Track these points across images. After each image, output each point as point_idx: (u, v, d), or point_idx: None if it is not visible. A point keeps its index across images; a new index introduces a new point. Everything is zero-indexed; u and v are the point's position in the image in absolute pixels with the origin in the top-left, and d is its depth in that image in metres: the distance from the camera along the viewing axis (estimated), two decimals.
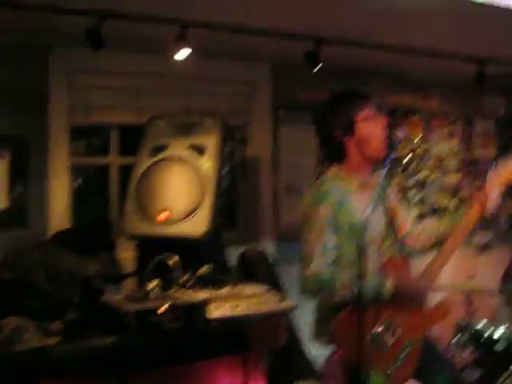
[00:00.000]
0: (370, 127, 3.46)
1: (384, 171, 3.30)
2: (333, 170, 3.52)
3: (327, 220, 3.35)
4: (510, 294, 5.67)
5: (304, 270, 3.36)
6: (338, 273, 3.30)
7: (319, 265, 3.31)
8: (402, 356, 3.36)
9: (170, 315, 3.66)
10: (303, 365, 5.13)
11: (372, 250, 3.40)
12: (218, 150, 4.48)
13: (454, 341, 5.32)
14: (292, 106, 5.72)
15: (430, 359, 3.54)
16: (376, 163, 3.48)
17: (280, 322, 4.10)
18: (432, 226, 3.71)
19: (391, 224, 3.59)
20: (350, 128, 3.44)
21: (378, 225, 3.48)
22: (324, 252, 3.33)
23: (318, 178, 3.59)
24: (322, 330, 3.50)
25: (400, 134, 6.38)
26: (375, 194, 3.29)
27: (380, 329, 3.32)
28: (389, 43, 5.11)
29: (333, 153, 3.54)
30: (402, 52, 5.23)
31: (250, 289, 4.18)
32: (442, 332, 3.61)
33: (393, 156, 3.32)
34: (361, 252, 3.03)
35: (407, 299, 3.38)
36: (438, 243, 3.64)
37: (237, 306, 3.90)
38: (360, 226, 3.19)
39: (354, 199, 3.40)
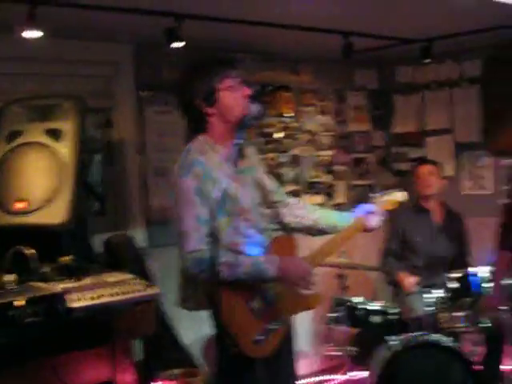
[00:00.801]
0: (233, 97, 3.35)
1: (245, 142, 3.32)
2: (197, 141, 3.38)
3: (195, 190, 3.23)
4: (387, 272, 5.72)
5: (183, 247, 3.24)
6: (215, 250, 3.17)
7: (197, 240, 3.20)
8: (270, 328, 3.34)
9: (29, 308, 3.50)
10: (175, 352, 5.05)
11: (242, 222, 3.33)
12: (76, 134, 4.30)
13: (330, 315, 5.35)
14: (157, 87, 5.57)
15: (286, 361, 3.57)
16: (240, 134, 3.36)
17: (147, 309, 3.99)
18: (314, 212, 3.73)
19: (262, 196, 3.51)
20: (211, 97, 3.32)
21: (246, 196, 3.39)
22: (199, 224, 3.20)
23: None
24: (188, 296, 3.42)
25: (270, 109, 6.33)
26: (242, 165, 3.31)
27: (256, 299, 3.31)
28: (253, 19, 5.04)
29: (196, 123, 3.42)
30: (264, 26, 5.16)
31: (114, 276, 4.06)
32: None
33: (250, 125, 3.29)
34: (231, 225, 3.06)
35: (287, 277, 3.34)
36: (313, 230, 3.69)
37: (101, 294, 3.77)
38: (228, 197, 3.22)
39: (219, 170, 3.27)
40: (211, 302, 3.24)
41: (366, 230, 3.69)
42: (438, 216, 5.89)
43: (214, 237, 3.11)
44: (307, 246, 3.67)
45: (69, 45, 5.04)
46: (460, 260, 5.69)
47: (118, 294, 3.80)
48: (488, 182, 6.70)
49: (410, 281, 5.40)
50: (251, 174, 3.48)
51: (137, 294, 3.88)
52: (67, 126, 4.30)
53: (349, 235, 3.66)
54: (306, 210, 3.72)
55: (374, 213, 3.68)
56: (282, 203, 3.67)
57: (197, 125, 3.42)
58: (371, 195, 3.82)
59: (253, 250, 3.35)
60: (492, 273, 4.84)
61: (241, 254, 3.29)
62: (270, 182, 3.63)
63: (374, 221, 3.67)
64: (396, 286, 5.62)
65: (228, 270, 3.17)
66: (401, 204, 3.84)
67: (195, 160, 3.29)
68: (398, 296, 5.82)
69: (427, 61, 6.26)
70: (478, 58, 6.59)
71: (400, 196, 3.83)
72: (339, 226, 3.67)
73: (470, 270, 5.04)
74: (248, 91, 3.40)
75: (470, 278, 4.96)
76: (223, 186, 3.24)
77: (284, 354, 3.52)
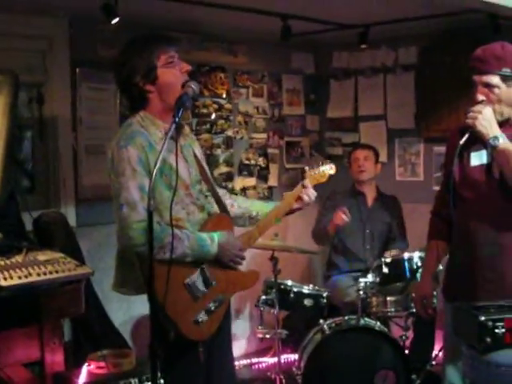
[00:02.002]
0: (172, 73, 3.29)
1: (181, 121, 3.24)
2: (138, 116, 3.31)
3: (138, 160, 3.16)
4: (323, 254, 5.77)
5: (129, 217, 3.14)
6: (163, 223, 3.16)
7: (144, 209, 3.09)
8: (210, 308, 3.32)
9: None
10: (105, 333, 4.99)
11: (184, 197, 3.30)
12: (8, 109, 4.19)
13: (261, 297, 5.36)
14: (92, 63, 5.46)
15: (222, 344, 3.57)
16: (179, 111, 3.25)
17: (77, 289, 3.91)
18: (244, 201, 3.76)
19: (201, 173, 3.47)
20: (150, 74, 3.25)
21: (187, 172, 3.35)
22: (144, 194, 3.11)
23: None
24: (124, 280, 3.36)
25: (204, 90, 6.28)
26: (182, 141, 3.32)
27: (194, 278, 3.28)
28: None
29: (134, 101, 3.34)
30: (201, 5, 5.10)
31: (45, 255, 3.97)
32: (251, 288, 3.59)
33: (187, 105, 3.21)
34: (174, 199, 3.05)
35: (224, 254, 3.35)
36: (243, 218, 3.70)
37: (29, 273, 3.68)
38: (171, 171, 3.19)
39: (161, 144, 3.10)
40: (147, 282, 3.18)
41: (300, 204, 3.66)
42: (371, 199, 5.96)
43: (152, 212, 3.02)
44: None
45: (1, 17, 4.90)
46: (394, 243, 5.76)
47: (47, 274, 3.72)
48: (419, 169, 6.77)
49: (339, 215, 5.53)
50: (190, 151, 3.45)
51: (67, 274, 3.78)
52: None
53: (283, 210, 3.65)
54: (235, 200, 3.72)
55: (305, 187, 3.65)
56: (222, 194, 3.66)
57: (136, 102, 3.34)
58: (302, 169, 3.80)
59: (193, 226, 3.32)
60: (422, 259, 4.91)
61: (182, 229, 3.25)
62: (205, 167, 3.60)
63: (307, 194, 3.64)
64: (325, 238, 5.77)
65: (175, 243, 3.11)
66: (331, 177, 3.82)
67: (138, 131, 3.24)
68: (330, 280, 5.87)
69: (363, 46, 6.29)
70: (414, 45, 6.64)
71: (329, 169, 3.81)
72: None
73: (405, 255, 5.09)
74: (187, 67, 3.36)
75: (404, 263, 5.02)
76: (164, 160, 3.17)
77: (222, 335, 3.51)
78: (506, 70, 3.32)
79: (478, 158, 3.46)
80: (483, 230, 3.40)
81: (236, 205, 3.69)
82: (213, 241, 3.29)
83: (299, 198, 3.65)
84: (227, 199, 3.69)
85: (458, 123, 3.76)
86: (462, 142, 3.37)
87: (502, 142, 3.25)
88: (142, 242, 3.11)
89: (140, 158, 3.17)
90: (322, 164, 3.82)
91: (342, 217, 5.52)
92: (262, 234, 3.61)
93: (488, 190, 3.40)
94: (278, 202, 3.74)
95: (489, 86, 3.35)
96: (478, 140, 3.38)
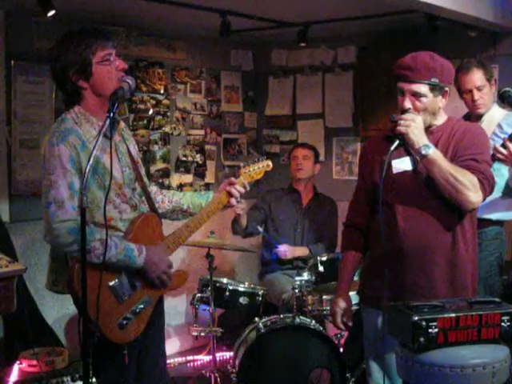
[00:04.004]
0: (107, 70, 3.22)
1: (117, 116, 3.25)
2: (73, 112, 3.24)
3: (69, 158, 3.10)
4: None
5: (55, 215, 3.07)
6: (92, 225, 3.10)
7: (72, 208, 3.07)
8: (136, 310, 3.27)
9: None
10: (38, 331, 4.92)
11: (117, 196, 3.25)
12: None
13: (197, 295, 5.33)
14: (27, 56, 5.36)
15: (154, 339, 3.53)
16: (113, 107, 3.15)
17: (9, 286, 3.83)
18: (174, 195, 3.70)
19: (135, 171, 3.41)
20: (85, 70, 3.18)
21: (120, 170, 3.29)
22: (73, 193, 3.08)
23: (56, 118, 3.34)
24: (58, 278, 3.28)
25: (142, 85, 6.22)
26: (115, 139, 3.28)
27: (120, 280, 3.22)
28: None
29: (68, 95, 3.28)
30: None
31: None
32: (187, 286, 3.56)
33: (123, 98, 3.21)
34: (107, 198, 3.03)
35: (150, 269, 3.28)
36: (176, 212, 3.67)
37: None
38: (102, 170, 3.16)
39: (94, 143, 3.05)
40: (69, 282, 3.13)
41: (231, 202, 3.65)
42: (306, 198, 6.00)
43: (85, 210, 2.97)
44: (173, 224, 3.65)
45: None
46: (327, 242, 5.80)
47: None
48: (356, 168, 6.79)
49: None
50: (125, 149, 3.40)
51: None
52: None
53: (213, 209, 3.62)
54: (165, 195, 3.68)
55: (232, 183, 3.64)
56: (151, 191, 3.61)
57: (70, 97, 3.28)
58: (237, 166, 3.78)
59: (125, 225, 3.28)
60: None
61: (114, 229, 3.22)
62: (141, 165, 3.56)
63: (236, 188, 3.62)
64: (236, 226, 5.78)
65: (102, 248, 3.05)
66: (266, 173, 3.82)
67: (71, 129, 3.17)
68: (265, 278, 5.87)
69: (302, 45, 6.30)
70: (353, 45, 6.68)
71: (265, 165, 3.81)
72: (204, 203, 3.64)
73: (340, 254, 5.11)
74: (123, 65, 3.30)
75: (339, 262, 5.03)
76: (97, 158, 3.13)
77: (153, 334, 3.47)
78: (434, 80, 3.35)
79: (400, 165, 3.47)
80: (411, 234, 3.41)
81: (167, 200, 3.65)
82: (141, 252, 3.23)
83: (229, 194, 3.63)
84: (158, 195, 3.66)
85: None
86: (392, 148, 3.37)
87: (433, 151, 3.29)
88: (68, 241, 3.07)
89: (71, 157, 3.12)
90: (258, 160, 3.82)
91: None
92: (191, 234, 3.57)
93: (415, 195, 3.42)
94: (210, 193, 3.72)
95: (417, 94, 3.37)
96: (404, 147, 3.41)
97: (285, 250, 5.73)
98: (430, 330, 2.85)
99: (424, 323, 2.84)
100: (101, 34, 3.28)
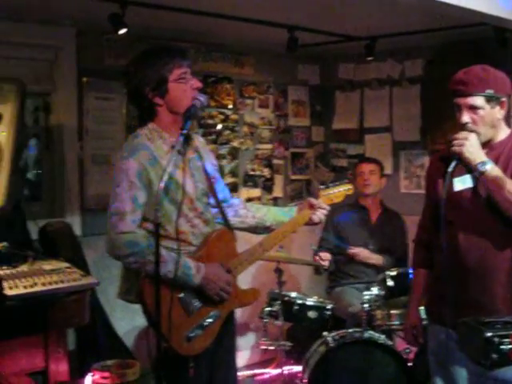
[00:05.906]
0: (183, 89, 3.29)
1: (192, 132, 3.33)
2: (146, 128, 3.32)
3: (136, 173, 3.17)
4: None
5: (116, 227, 3.16)
6: (153, 238, 3.11)
7: (132, 221, 3.15)
8: (204, 324, 3.30)
9: None
10: (109, 343, 4.99)
11: (189, 211, 3.30)
12: (15, 118, 4.22)
13: (265, 309, 5.35)
14: (98, 73, 5.48)
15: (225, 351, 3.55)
16: (187, 123, 3.24)
17: (82, 298, 3.92)
18: (259, 210, 3.71)
19: (208, 186, 3.46)
20: (161, 87, 3.25)
21: (192, 185, 3.33)
22: (136, 206, 3.16)
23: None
24: (129, 288, 3.34)
25: (211, 100, 6.28)
26: (188, 154, 3.33)
27: (189, 292, 3.26)
28: (198, 8, 5.00)
29: (143, 112, 3.35)
30: (209, 16, 5.13)
31: (50, 264, 4.00)
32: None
33: (197, 115, 3.32)
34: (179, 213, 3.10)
35: (207, 287, 3.30)
36: (259, 228, 3.68)
37: (34, 283, 3.70)
38: (174, 185, 3.21)
39: (166, 158, 3.17)
40: (140, 294, 3.19)
41: (309, 223, 3.67)
42: (374, 214, 5.95)
43: (159, 225, 3.03)
44: (248, 239, 3.67)
45: (9, 27, 4.94)
46: (396, 258, 5.75)
47: (52, 283, 3.74)
48: (424, 181, 6.75)
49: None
50: (198, 164, 3.44)
51: (72, 284, 3.83)
52: (6, 110, 4.23)
53: (291, 229, 3.63)
54: (249, 210, 3.70)
55: (318, 206, 3.65)
56: (225, 203, 3.64)
57: (144, 113, 3.35)
58: (317, 187, 3.79)
59: (197, 239, 3.32)
60: None
61: (185, 242, 3.27)
62: (218, 177, 3.60)
63: (317, 215, 3.64)
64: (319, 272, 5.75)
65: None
66: (346, 197, 3.83)
67: (142, 144, 3.25)
68: (333, 291, 5.85)
69: (370, 59, 6.30)
70: (420, 58, 6.64)
71: (346, 189, 3.82)
72: (286, 221, 3.65)
73: (409, 269, 5.07)
74: (198, 84, 3.36)
75: (408, 277, 4.99)
76: (169, 174, 3.15)
77: (225, 348, 3.50)
78: (489, 92, 3.31)
79: (461, 183, 3.43)
80: (472, 252, 3.37)
81: (250, 215, 3.67)
82: (199, 271, 3.25)
83: (309, 219, 3.64)
84: (241, 209, 3.68)
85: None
86: (450, 169, 3.34)
87: (490, 167, 3.25)
88: (125, 253, 3.14)
89: (139, 171, 3.18)
90: (339, 183, 3.82)
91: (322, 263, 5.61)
92: (265, 253, 3.60)
93: (475, 212, 3.38)
94: (293, 209, 3.72)
95: (473, 107, 3.34)
96: (462, 165, 3.38)
97: (360, 250, 5.72)
98: (502, 347, 2.81)
99: (497, 339, 2.81)
100: (178, 52, 3.36)
